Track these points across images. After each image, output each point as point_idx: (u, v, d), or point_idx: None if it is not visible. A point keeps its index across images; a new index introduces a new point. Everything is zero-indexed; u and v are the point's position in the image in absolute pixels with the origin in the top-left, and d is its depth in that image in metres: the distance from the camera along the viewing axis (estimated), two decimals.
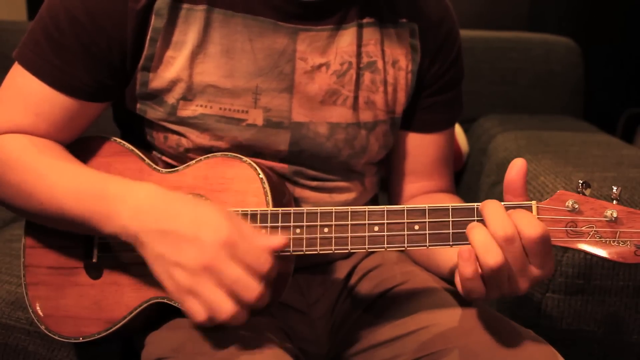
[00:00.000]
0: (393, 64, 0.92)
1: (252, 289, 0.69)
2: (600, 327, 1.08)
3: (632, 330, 1.09)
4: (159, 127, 0.89)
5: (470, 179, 1.63)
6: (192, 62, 0.85)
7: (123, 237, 0.74)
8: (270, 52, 0.86)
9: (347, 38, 0.89)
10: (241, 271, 0.69)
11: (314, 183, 0.93)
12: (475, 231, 0.71)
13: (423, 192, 1.01)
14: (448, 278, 0.89)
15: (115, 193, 0.76)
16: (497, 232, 0.69)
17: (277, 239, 0.73)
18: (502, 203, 0.73)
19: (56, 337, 0.86)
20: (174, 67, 0.85)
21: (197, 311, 0.70)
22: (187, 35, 0.85)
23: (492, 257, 0.69)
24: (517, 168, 0.74)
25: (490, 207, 0.72)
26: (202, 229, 0.70)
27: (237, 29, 0.85)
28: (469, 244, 0.71)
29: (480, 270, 0.70)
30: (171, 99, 0.86)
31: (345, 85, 0.90)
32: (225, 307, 0.69)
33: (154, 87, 0.86)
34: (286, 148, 0.89)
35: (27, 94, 0.85)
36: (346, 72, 0.89)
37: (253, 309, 0.71)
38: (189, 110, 0.86)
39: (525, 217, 0.70)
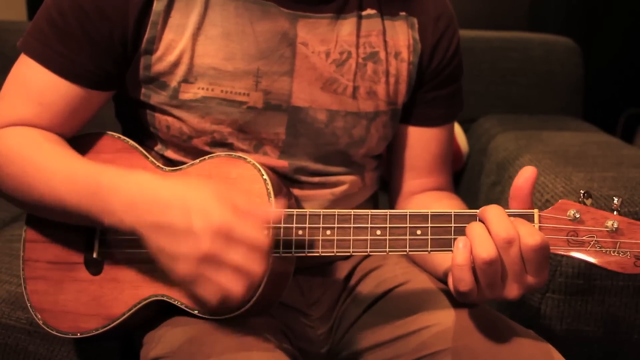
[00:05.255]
0: (395, 55, 0.93)
1: (257, 265, 0.69)
2: (600, 327, 1.08)
3: (632, 330, 1.09)
4: (161, 115, 0.89)
5: (470, 179, 1.63)
6: (194, 45, 0.85)
7: (123, 229, 0.74)
8: (272, 35, 0.87)
9: (347, 28, 0.90)
10: (243, 253, 0.69)
11: (316, 179, 0.93)
12: (474, 226, 0.72)
13: (423, 190, 1.01)
14: (442, 279, 0.89)
15: (108, 186, 0.75)
16: (499, 233, 0.70)
17: (274, 212, 0.75)
18: (505, 210, 0.73)
19: (54, 332, 0.86)
20: (175, 49, 0.85)
21: (209, 296, 0.70)
22: (189, 18, 0.85)
23: (486, 250, 0.70)
24: (526, 175, 0.74)
25: (493, 211, 0.73)
26: (193, 218, 0.69)
27: (237, 12, 0.86)
28: None
29: (472, 261, 0.71)
30: (173, 81, 0.86)
31: (344, 74, 0.90)
32: (235, 288, 0.69)
33: (157, 70, 0.86)
34: (283, 130, 0.89)
35: (31, 83, 0.85)
36: (345, 62, 0.90)
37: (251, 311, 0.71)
38: (191, 93, 0.86)
39: (526, 226, 0.71)
